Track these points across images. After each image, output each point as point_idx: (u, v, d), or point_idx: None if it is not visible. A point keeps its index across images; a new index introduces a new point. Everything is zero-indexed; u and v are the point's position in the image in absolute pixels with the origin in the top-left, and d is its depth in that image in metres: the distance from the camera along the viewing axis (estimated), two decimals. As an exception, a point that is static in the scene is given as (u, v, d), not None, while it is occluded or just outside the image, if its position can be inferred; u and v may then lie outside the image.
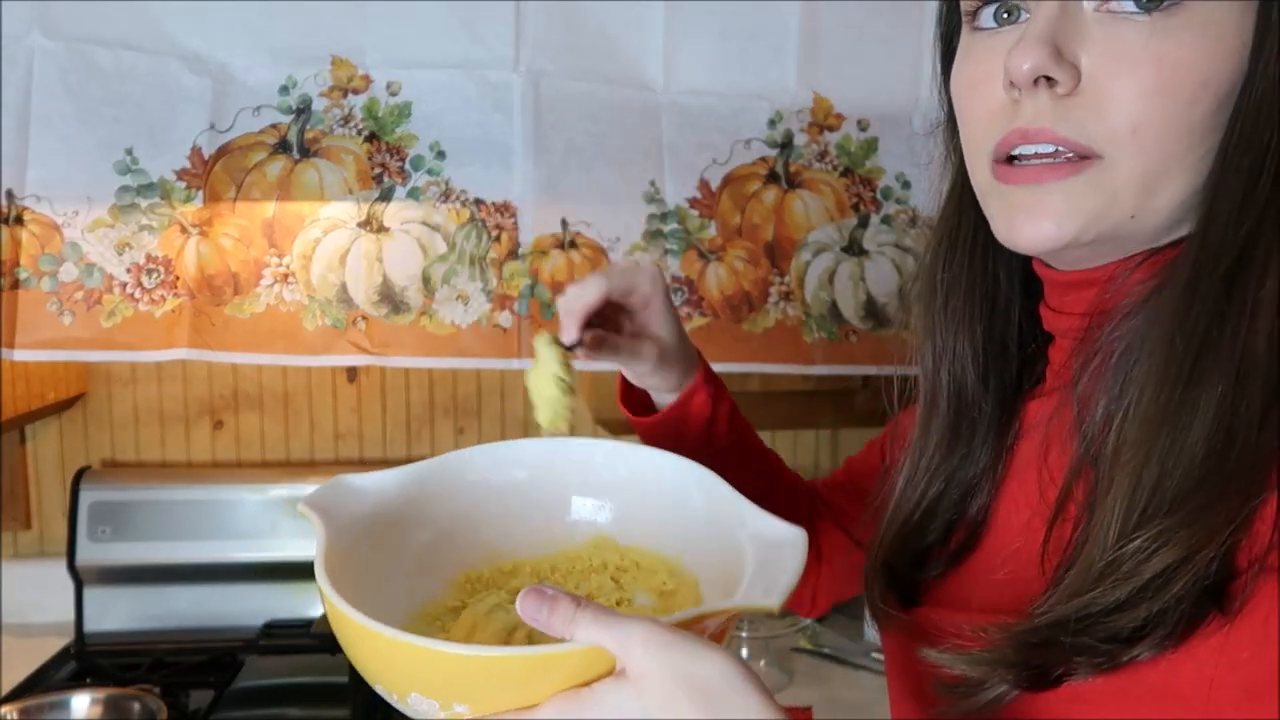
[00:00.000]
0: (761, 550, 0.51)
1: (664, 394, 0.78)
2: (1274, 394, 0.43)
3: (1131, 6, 0.44)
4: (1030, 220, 0.48)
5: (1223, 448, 0.43)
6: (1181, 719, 0.43)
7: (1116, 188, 0.46)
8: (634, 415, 0.79)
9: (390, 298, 1.19)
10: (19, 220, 1.10)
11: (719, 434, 0.78)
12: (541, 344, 0.71)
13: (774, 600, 0.46)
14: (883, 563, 0.62)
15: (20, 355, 1.10)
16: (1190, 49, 0.43)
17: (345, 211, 1.18)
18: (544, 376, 0.71)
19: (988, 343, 0.59)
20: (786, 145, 1.29)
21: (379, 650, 0.46)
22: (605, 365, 0.78)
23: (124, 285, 1.13)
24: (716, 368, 1.27)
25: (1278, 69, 0.42)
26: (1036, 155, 0.47)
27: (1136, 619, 0.43)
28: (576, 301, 0.70)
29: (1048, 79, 0.46)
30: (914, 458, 0.61)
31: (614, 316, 0.74)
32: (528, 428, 1.67)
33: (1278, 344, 0.43)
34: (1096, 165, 0.46)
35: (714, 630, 0.48)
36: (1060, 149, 0.47)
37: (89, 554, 1.47)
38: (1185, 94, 0.43)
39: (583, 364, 0.96)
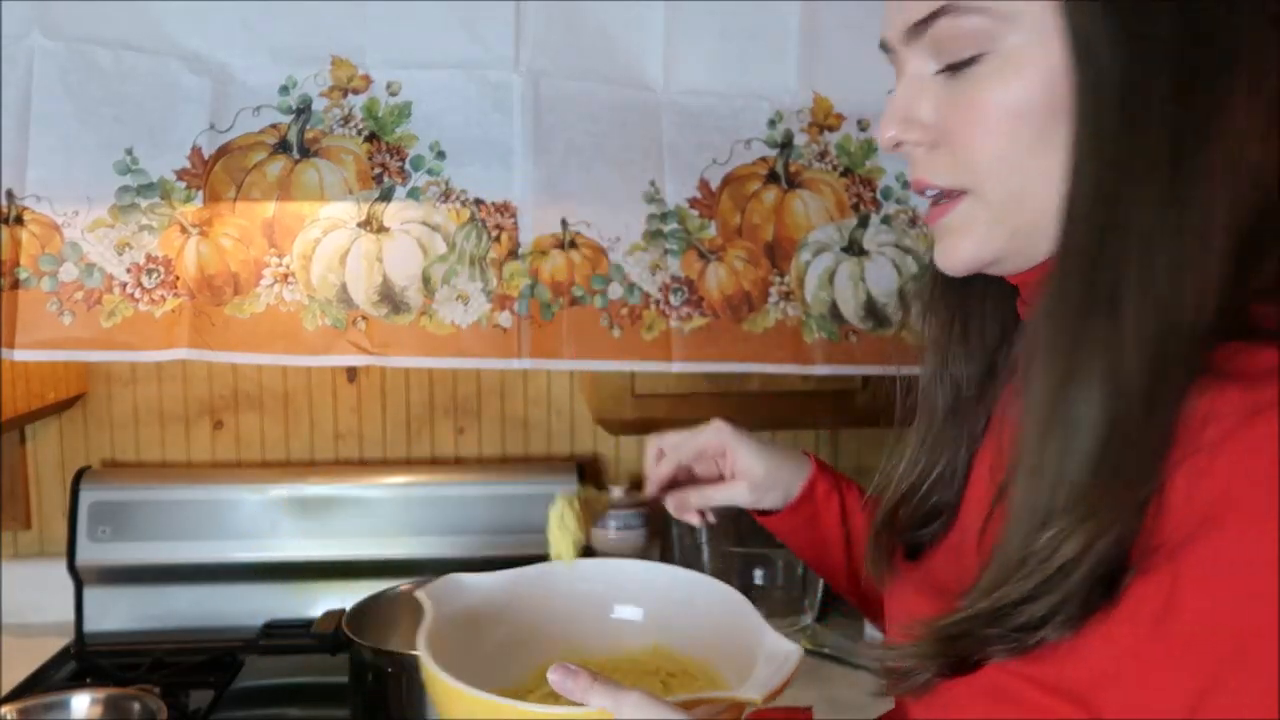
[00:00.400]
0: (769, 660, 0.65)
1: (783, 502, 0.88)
2: (1153, 386, 0.45)
3: (950, 66, 0.52)
4: (943, 253, 0.57)
5: (1111, 441, 0.46)
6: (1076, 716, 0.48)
7: (990, 213, 0.53)
8: (760, 516, 0.90)
9: (390, 298, 1.19)
10: (19, 220, 1.10)
11: (853, 514, 0.86)
12: (561, 493, 0.86)
13: (756, 694, 0.59)
14: (883, 524, 0.68)
15: (20, 355, 1.10)
16: (996, 90, 0.50)
17: (345, 211, 1.18)
18: (554, 517, 0.85)
19: (981, 339, 0.64)
20: (786, 145, 1.29)
21: (456, 703, 0.62)
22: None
23: (124, 285, 1.13)
24: (716, 367, 1.29)
25: (1093, 84, 0.47)
26: (934, 197, 0.57)
27: (1042, 609, 0.47)
28: (651, 478, 0.89)
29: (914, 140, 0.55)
30: (917, 438, 0.67)
31: (702, 469, 0.91)
32: (527, 428, 1.67)
33: (1148, 335, 0.46)
34: (969, 198, 0.54)
35: (714, 715, 0.60)
36: (941, 191, 0.56)
37: (89, 554, 1.48)
38: (1005, 127, 0.50)
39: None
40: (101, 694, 1.18)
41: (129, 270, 1.13)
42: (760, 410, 1.42)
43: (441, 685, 0.63)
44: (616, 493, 1.61)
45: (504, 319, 1.22)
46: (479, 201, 1.21)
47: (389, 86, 1.19)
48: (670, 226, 1.26)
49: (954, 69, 0.52)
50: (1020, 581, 0.48)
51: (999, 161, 0.51)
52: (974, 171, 0.53)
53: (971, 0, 0.49)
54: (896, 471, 0.67)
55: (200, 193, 1.15)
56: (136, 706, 1.16)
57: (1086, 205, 0.48)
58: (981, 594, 0.50)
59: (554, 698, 0.62)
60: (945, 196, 0.55)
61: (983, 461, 0.63)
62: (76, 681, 1.37)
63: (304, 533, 1.51)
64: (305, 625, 1.31)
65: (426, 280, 1.20)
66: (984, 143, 0.51)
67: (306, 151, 1.18)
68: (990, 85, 0.50)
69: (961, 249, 0.55)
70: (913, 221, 1.32)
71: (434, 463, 1.65)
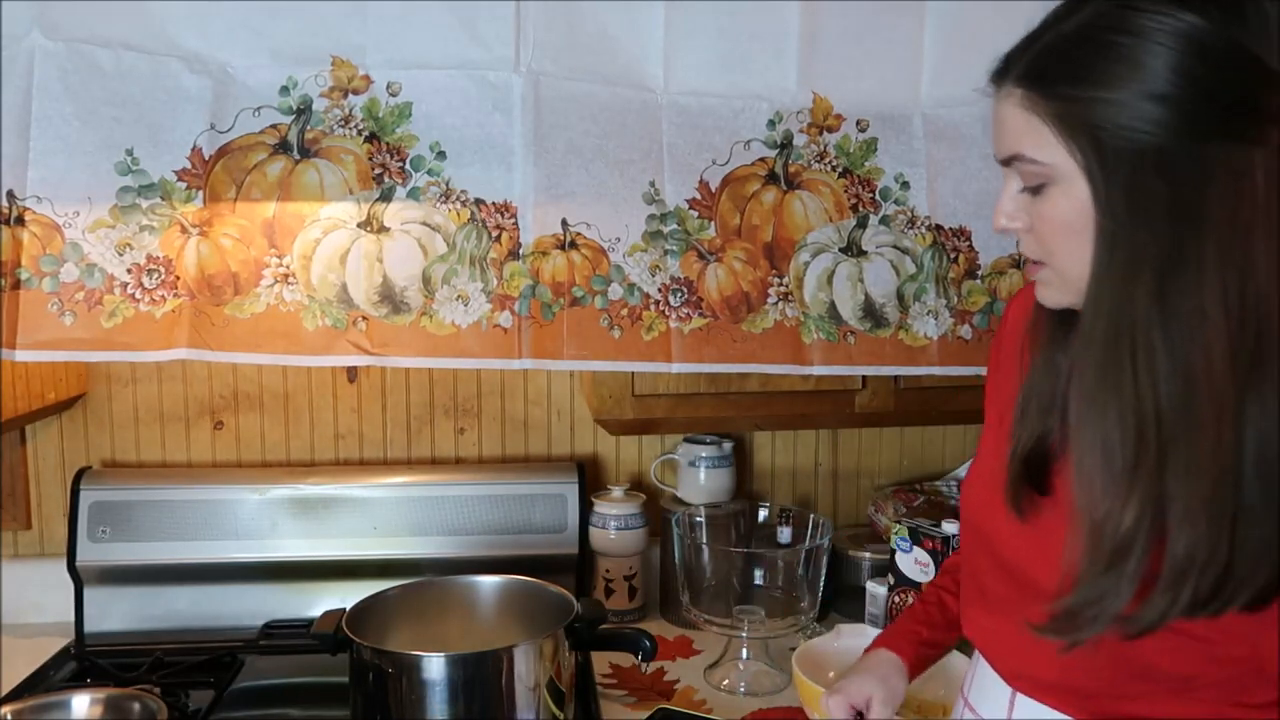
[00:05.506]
0: None
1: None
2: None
3: (1028, 189, 0.77)
4: (1040, 296, 0.82)
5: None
6: None
7: (1058, 278, 0.79)
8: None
9: (390, 298, 1.20)
10: (20, 221, 1.10)
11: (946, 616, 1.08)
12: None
13: None
14: (1020, 462, 0.84)
15: (21, 356, 1.10)
16: (1052, 209, 0.76)
17: (345, 212, 1.19)
18: None
19: (1065, 334, 0.86)
20: (786, 146, 1.30)
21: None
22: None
23: (125, 285, 1.13)
24: (716, 368, 1.29)
25: (1105, 220, 0.72)
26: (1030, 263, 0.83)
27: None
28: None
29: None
30: (1023, 397, 0.87)
31: None
32: (527, 428, 1.67)
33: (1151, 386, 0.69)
34: (1046, 267, 0.79)
35: None
36: (1032, 260, 0.82)
37: (89, 554, 1.48)
38: (1058, 230, 0.76)
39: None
40: (101, 694, 1.18)
41: (130, 270, 1.13)
42: (759, 410, 1.42)
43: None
44: (616, 492, 1.61)
45: (504, 319, 1.22)
46: (479, 202, 1.21)
47: (389, 87, 1.19)
48: (670, 227, 1.27)
49: (1030, 190, 0.77)
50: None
51: (1058, 251, 0.77)
52: (1047, 254, 0.79)
53: (1028, 160, 0.75)
54: (1021, 426, 0.86)
55: (200, 193, 1.15)
56: (136, 706, 1.16)
57: (1098, 283, 0.73)
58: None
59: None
60: (1035, 262, 0.81)
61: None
62: (76, 681, 1.37)
63: (304, 533, 1.51)
64: (305, 625, 1.31)
65: (427, 280, 1.20)
66: (1048, 239, 0.77)
67: (307, 152, 1.18)
68: (1049, 206, 0.76)
69: (1046, 296, 0.81)
70: (911, 222, 1.32)
71: (434, 463, 1.65)
